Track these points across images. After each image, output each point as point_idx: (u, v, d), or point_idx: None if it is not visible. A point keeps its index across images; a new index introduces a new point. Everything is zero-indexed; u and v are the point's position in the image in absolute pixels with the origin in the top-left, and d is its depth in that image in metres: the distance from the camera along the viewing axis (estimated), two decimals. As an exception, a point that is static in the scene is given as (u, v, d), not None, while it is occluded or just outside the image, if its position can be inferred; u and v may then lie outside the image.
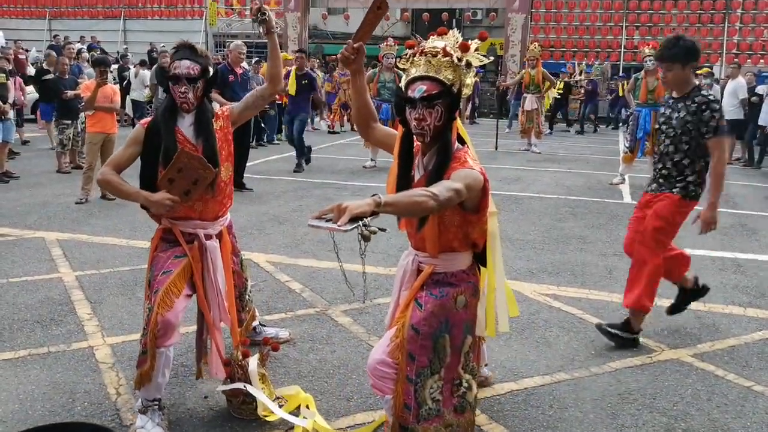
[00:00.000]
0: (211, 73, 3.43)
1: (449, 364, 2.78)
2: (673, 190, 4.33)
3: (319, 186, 9.98)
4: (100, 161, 8.67)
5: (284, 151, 12.32)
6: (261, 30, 3.62)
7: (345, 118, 17.76)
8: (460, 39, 2.72)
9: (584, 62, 21.29)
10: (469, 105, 20.79)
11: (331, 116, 18.09)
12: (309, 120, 18.34)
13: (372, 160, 11.74)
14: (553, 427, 3.47)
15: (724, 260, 6.60)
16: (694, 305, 5.21)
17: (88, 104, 8.47)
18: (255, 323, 4.22)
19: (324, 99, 19.60)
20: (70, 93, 10.02)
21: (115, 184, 3.37)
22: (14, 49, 16.12)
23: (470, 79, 2.72)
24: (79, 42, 20.30)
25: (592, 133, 19.57)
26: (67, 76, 10.67)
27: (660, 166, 4.43)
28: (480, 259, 2.94)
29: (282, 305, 5.05)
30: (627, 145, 10.46)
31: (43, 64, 13.65)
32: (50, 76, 11.22)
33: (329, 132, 17.75)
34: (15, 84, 11.03)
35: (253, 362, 3.44)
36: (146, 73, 16.26)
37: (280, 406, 3.41)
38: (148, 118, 3.55)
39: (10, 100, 10.39)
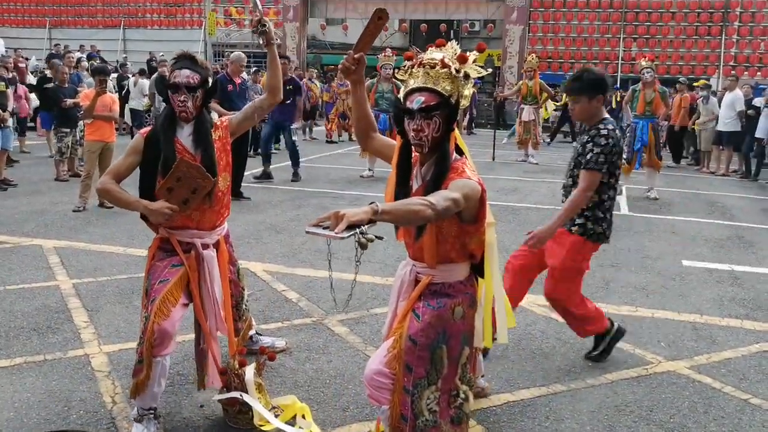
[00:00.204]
0: (210, 83, 3.45)
1: (446, 375, 2.77)
2: (572, 228, 4.14)
3: (316, 195, 9.99)
4: (98, 170, 8.68)
5: (282, 160, 12.33)
6: (261, 41, 3.64)
7: (342, 127, 17.81)
8: (459, 50, 2.73)
9: None
10: (467, 116, 20.85)
11: (329, 126, 18.14)
12: (308, 129, 18.46)
13: (369, 169, 11.76)
14: (550, 438, 3.47)
15: (721, 272, 6.61)
16: (691, 317, 5.22)
17: (87, 113, 8.48)
18: (251, 332, 4.22)
19: (322, 108, 19.74)
20: (69, 101, 10.04)
21: (114, 194, 3.38)
22: (14, 58, 16.14)
23: (468, 91, 2.73)
24: (78, 51, 20.35)
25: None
26: (66, 85, 10.69)
27: (563, 200, 4.21)
28: (477, 269, 2.94)
29: (278, 314, 5.05)
30: (624, 156, 10.49)
31: (47, 72, 13.66)
32: (50, 85, 11.24)
33: (327, 141, 17.79)
34: (21, 92, 11.03)
35: (249, 371, 3.44)
36: (145, 82, 16.30)
37: (276, 416, 3.40)
38: (148, 128, 3.56)
39: (9, 108, 10.40)
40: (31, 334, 4.55)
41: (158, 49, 22.77)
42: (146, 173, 3.42)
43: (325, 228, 2.19)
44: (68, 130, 10.43)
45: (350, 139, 17.49)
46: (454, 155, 2.77)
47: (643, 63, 10.43)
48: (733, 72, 18.36)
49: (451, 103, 2.67)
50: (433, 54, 2.72)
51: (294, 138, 11.11)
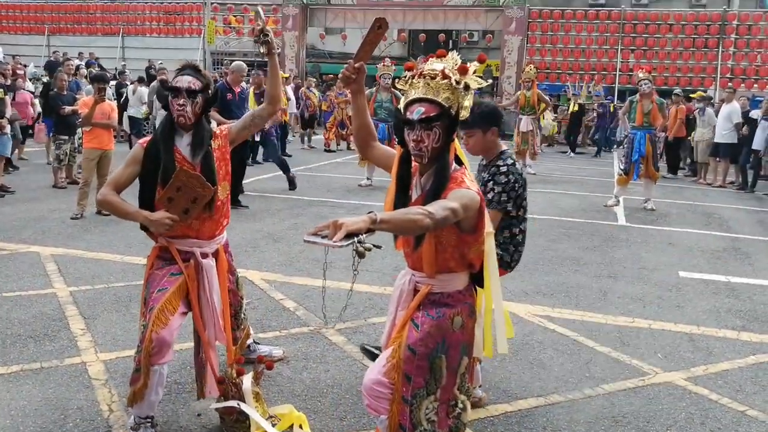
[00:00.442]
0: (211, 92, 3.46)
1: (445, 385, 2.77)
2: None
3: (314, 204, 9.99)
4: (97, 177, 8.68)
5: (274, 169, 12.33)
6: (262, 50, 3.64)
7: (341, 137, 17.83)
8: (459, 61, 2.74)
9: (592, 83, 21.44)
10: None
11: (327, 135, 18.17)
12: (307, 138, 18.50)
13: (368, 178, 11.77)
14: (547, 449, 3.47)
15: (717, 284, 6.62)
16: (687, 328, 5.23)
17: (86, 120, 8.49)
18: (249, 341, 4.21)
19: (321, 117, 19.80)
20: (67, 109, 10.04)
21: (115, 204, 3.38)
22: (12, 65, 16.13)
23: (468, 102, 2.74)
24: (77, 58, 20.36)
25: (592, 156, 19.59)
26: (65, 92, 10.70)
27: None
28: (477, 279, 2.95)
29: (276, 323, 5.04)
30: (622, 167, 10.54)
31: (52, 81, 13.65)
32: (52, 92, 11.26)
33: (325, 150, 17.79)
34: (27, 99, 11.00)
35: (247, 380, 3.43)
36: (144, 90, 16.30)
37: (273, 425, 3.39)
38: (147, 138, 3.56)
39: (7, 115, 10.40)
40: (28, 341, 4.54)
41: (157, 57, 22.80)
42: (146, 183, 3.42)
43: (323, 237, 2.20)
44: (66, 137, 10.42)
45: (349, 148, 17.50)
46: (454, 165, 2.79)
47: (641, 74, 10.48)
48: (729, 84, 18.44)
49: (451, 114, 2.68)
50: (434, 64, 2.73)
51: (277, 146, 11.22)
